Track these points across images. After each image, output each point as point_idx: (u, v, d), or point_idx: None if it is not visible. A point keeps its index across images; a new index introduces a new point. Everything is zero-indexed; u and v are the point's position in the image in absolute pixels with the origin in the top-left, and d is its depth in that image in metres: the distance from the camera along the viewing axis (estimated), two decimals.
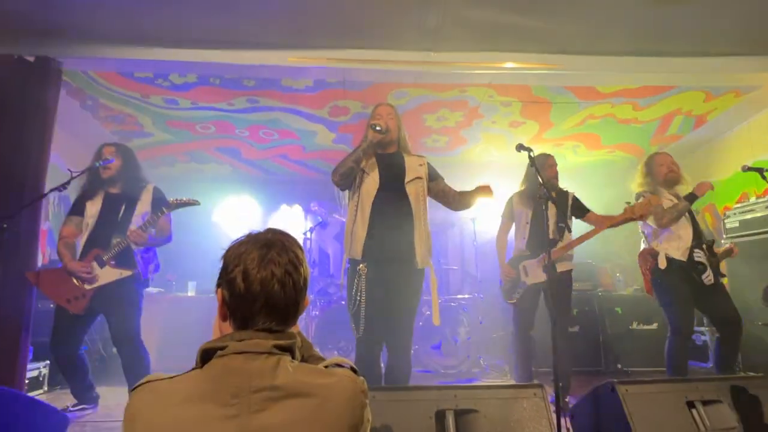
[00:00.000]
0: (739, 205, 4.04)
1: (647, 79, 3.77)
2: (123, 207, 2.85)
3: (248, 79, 3.72)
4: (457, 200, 2.64)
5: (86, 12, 2.97)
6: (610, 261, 5.22)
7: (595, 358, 4.26)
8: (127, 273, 2.74)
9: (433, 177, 2.63)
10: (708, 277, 2.82)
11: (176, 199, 2.85)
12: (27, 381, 3.25)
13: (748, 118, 4.43)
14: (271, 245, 0.90)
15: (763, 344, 3.58)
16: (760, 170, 2.89)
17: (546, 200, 2.36)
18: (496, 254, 3.33)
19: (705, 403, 1.74)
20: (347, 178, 2.52)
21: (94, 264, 2.72)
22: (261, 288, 0.85)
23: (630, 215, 2.82)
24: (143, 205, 2.89)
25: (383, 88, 3.88)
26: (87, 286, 2.70)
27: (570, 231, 3.17)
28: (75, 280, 2.71)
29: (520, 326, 3.14)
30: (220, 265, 0.93)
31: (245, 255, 0.88)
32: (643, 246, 3.12)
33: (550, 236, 3.03)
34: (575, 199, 3.27)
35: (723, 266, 3.05)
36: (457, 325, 4.33)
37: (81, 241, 2.79)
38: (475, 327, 4.37)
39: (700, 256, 2.86)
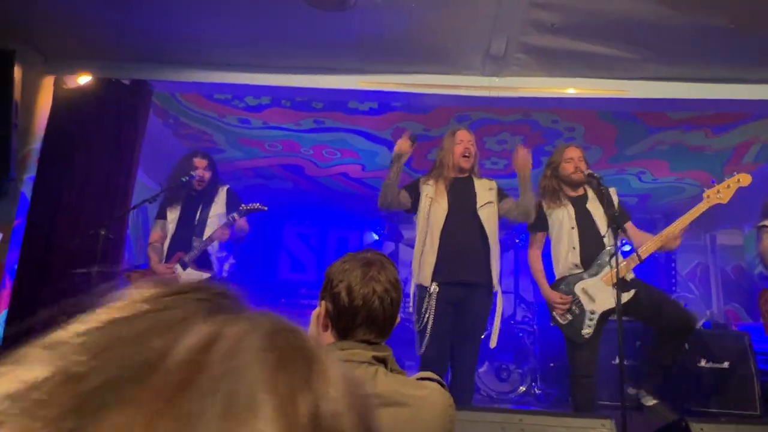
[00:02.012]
0: None
1: (720, 106, 3.65)
2: (200, 208, 3.08)
3: (317, 102, 3.92)
4: (517, 206, 2.65)
5: (177, 41, 3.26)
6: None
7: (657, 395, 4.05)
8: (206, 275, 2.97)
9: (501, 198, 2.69)
10: None
11: (245, 206, 3.07)
12: None
13: None
14: (372, 264, 0.99)
15: None
16: None
17: (597, 185, 2.31)
18: (537, 282, 2.71)
19: None
20: (392, 203, 2.64)
21: (178, 266, 2.94)
22: (363, 303, 0.94)
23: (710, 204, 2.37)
24: (218, 207, 3.13)
25: (446, 111, 3.97)
26: None
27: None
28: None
29: (582, 368, 2.48)
30: (324, 279, 1.02)
31: (349, 272, 0.97)
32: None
33: (610, 242, 2.42)
34: (619, 200, 2.74)
35: None
36: (512, 351, 4.27)
37: (165, 244, 3.03)
38: (530, 354, 4.29)
39: None
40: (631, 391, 2.33)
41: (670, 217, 6.00)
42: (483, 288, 2.48)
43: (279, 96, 3.83)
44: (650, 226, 5.88)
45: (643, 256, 2.46)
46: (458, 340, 2.37)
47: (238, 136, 4.63)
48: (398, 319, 1.03)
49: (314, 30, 3.00)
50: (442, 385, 0.97)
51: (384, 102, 3.85)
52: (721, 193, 2.39)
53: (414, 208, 2.73)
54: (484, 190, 2.65)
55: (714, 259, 6.02)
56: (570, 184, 2.71)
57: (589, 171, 2.62)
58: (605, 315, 2.50)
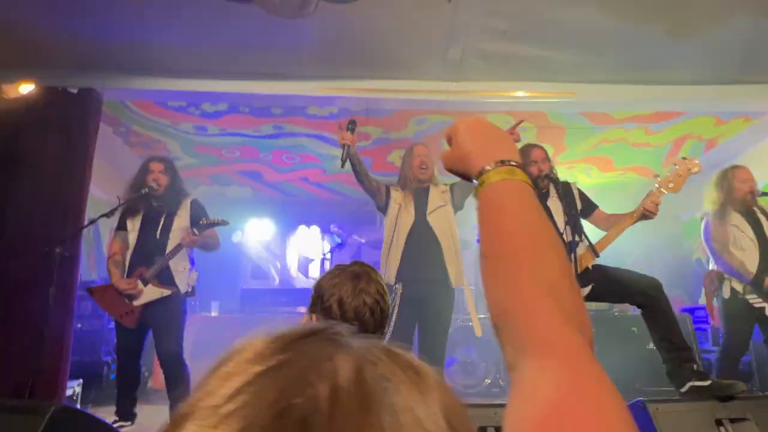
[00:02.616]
0: None
1: (659, 106, 3.92)
2: (162, 222, 2.95)
3: (276, 107, 3.89)
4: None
5: (127, 47, 3.15)
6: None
7: (613, 378, 4.31)
8: (167, 292, 2.86)
9: (455, 193, 3.01)
10: None
11: (205, 220, 2.97)
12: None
13: (758, 142, 4.56)
14: (360, 276, 1.03)
15: None
16: None
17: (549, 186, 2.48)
18: None
19: (732, 420, 1.83)
20: (368, 187, 3.03)
21: (138, 282, 2.84)
22: (355, 315, 0.98)
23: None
24: (181, 220, 2.99)
25: (405, 115, 4.05)
26: (135, 303, 2.83)
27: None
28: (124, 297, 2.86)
29: None
30: (312, 293, 1.05)
31: (339, 286, 1.00)
32: None
33: (568, 237, 2.52)
34: (581, 192, 2.89)
35: None
36: (473, 344, 4.41)
37: (127, 258, 2.92)
38: (493, 346, 4.44)
39: None
40: (680, 388, 2.23)
41: (616, 211, 6.37)
42: (440, 284, 2.76)
43: (237, 102, 3.78)
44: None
45: (602, 247, 2.54)
46: (423, 335, 2.55)
47: (194, 143, 4.52)
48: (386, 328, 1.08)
49: (274, 37, 2.99)
50: None
51: (344, 107, 3.88)
52: (672, 183, 2.48)
53: (384, 208, 3.05)
54: (437, 195, 2.98)
55: (656, 246, 6.43)
56: (534, 184, 2.86)
57: (546, 173, 2.75)
58: None
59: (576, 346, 0.38)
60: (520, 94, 3.58)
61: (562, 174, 3.34)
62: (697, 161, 2.50)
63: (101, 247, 5.03)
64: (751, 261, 3.01)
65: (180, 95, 3.57)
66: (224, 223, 3.08)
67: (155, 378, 4.48)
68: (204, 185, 5.62)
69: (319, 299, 1.02)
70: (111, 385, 4.04)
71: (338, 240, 5.19)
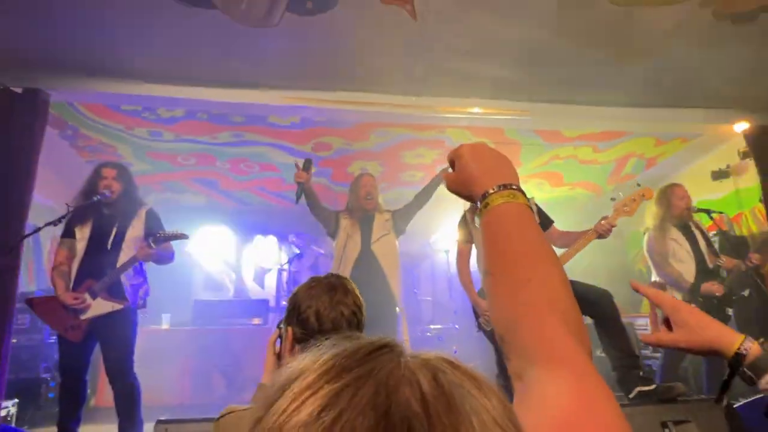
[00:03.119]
0: None
1: (605, 126, 4.16)
2: (114, 232, 2.79)
3: (236, 115, 3.83)
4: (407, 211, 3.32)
5: (77, 46, 3.02)
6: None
7: None
8: (118, 306, 2.72)
9: (396, 219, 3.28)
10: None
11: (162, 233, 2.83)
12: None
13: (693, 161, 4.92)
14: (336, 288, 1.03)
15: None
16: (708, 211, 3.26)
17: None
18: (465, 290, 2.89)
19: (676, 423, 1.95)
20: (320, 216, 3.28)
21: (87, 295, 2.68)
22: (332, 326, 0.98)
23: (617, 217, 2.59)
24: (134, 231, 2.84)
25: (367, 126, 4.08)
26: (82, 316, 2.67)
27: None
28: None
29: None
30: (288, 305, 1.05)
31: (316, 297, 1.00)
32: None
33: None
34: (539, 208, 3.01)
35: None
36: None
37: (74, 268, 2.73)
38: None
39: None
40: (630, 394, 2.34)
41: (565, 225, 6.65)
42: (386, 309, 2.98)
43: (194, 109, 3.68)
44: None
45: (562, 263, 2.66)
46: None
47: (147, 149, 4.36)
48: None
49: (238, 44, 2.95)
50: None
51: (306, 117, 3.86)
52: (628, 206, 2.64)
53: (333, 235, 3.32)
54: (381, 223, 3.21)
55: (602, 258, 6.76)
56: None
57: None
58: None
59: (581, 357, 0.41)
60: (477, 110, 3.71)
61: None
62: (650, 189, 2.66)
63: (41, 258, 4.73)
64: (688, 272, 3.24)
65: (135, 99, 3.44)
66: (183, 236, 2.93)
67: (99, 395, 4.24)
68: (156, 192, 5.40)
69: (296, 311, 1.02)
70: (50, 404, 3.78)
71: (297, 250, 5.13)
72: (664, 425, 1.95)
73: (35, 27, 2.78)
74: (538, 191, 5.74)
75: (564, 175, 5.32)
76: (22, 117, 3.15)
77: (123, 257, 2.77)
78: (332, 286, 1.04)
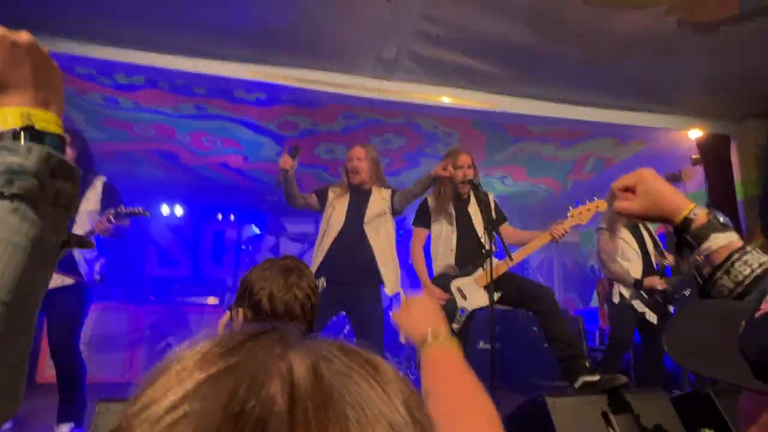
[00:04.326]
0: None
1: (569, 124, 4.25)
2: None
3: (199, 87, 3.68)
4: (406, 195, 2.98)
5: (32, 2, 2.81)
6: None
7: (515, 374, 4.63)
8: (69, 281, 2.59)
9: (395, 201, 2.97)
10: None
11: (125, 208, 2.71)
12: None
13: (648, 164, 5.11)
14: (291, 270, 1.00)
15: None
16: None
17: (476, 191, 2.63)
18: (418, 275, 2.87)
19: (615, 413, 2.05)
20: (294, 202, 2.91)
21: None
22: (285, 309, 0.96)
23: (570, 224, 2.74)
24: (90, 203, 2.71)
25: (335, 108, 4.02)
26: None
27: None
28: None
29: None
30: (240, 286, 1.01)
31: (270, 279, 0.98)
32: None
33: (486, 245, 2.62)
34: (496, 204, 3.05)
35: None
36: (386, 340, 4.51)
37: None
38: (400, 343, 4.57)
39: None
40: (573, 383, 2.47)
41: (524, 218, 6.82)
42: (369, 291, 2.72)
43: (155, 77, 3.51)
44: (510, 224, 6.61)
45: (516, 260, 2.69)
46: (361, 336, 2.56)
47: (102, 116, 4.14)
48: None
49: (205, 12, 2.82)
50: None
51: (272, 94, 3.76)
52: (582, 215, 2.80)
53: (323, 209, 3.03)
54: (378, 201, 2.92)
55: (557, 253, 6.99)
56: (457, 188, 2.95)
57: (470, 178, 2.88)
58: (475, 312, 2.77)
59: None
60: (446, 100, 3.71)
61: (480, 179, 3.45)
62: (604, 202, 2.84)
63: None
64: (635, 270, 3.40)
65: (90, 62, 3.24)
66: (145, 213, 2.82)
67: (40, 372, 4.06)
68: (111, 163, 5.15)
69: (248, 292, 0.99)
70: None
71: (257, 230, 5.03)
72: (605, 415, 2.03)
73: None
74: (500, 184, 5.84)
75: (527, 169, 5.43)
76: None
77: (76, 230, 2.62)
78: (287, 268, 1.01)
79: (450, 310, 2.71)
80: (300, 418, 0.24)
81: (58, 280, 2.57)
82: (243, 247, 5.11)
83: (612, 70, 3.35)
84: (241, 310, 0.99)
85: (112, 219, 2.64)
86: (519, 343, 4.75)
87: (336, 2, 2.70)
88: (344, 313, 2.83)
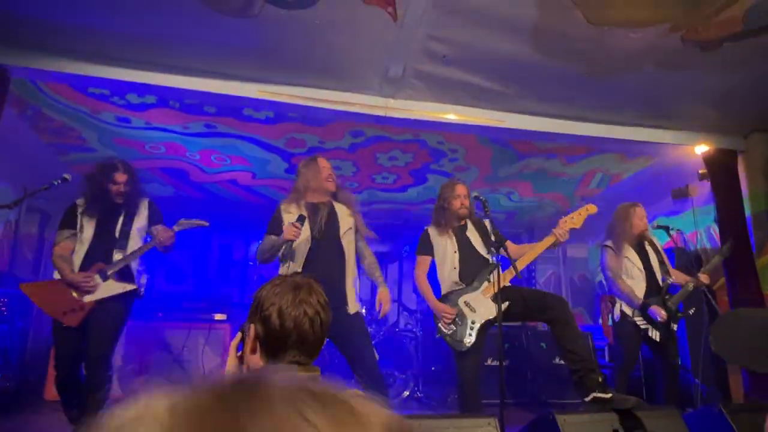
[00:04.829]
0: None
1: (575, 140, 4.27)
2: (120, 220, 2.89)
3: (209, 106, 3.75)
4: (367, 265, 2.92)
5: (45, 22, 2.89)
6: None
7: (523, 391, 4.58)
8: (130, 287, 2.78)
9: (357, 230, 2.90)
10: None
11: (186, 220, 3.02)
12: None
13: (654, 179, 5.11)
14: (301, 286, 1.02)
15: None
16: (666, 228, 3.40)
17: (483, 207, 2.70)
18: (424, 297, 3.03)
19: (627, 430, 2.02)
20: (271, 259, 2.80)
21: (96, 276, 2.69)
22: (294, 325, 0.97)
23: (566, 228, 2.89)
24: (141, 219, 2.97)
25: (342, 125, 4.07)
26: (87, 298, 2.65)
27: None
28: (74, 292, 2.68)
29: (469, 374, 2.76)
30: (252, 302, 1.03)
31: (280, 295, 0.99)
32: None
33: (491, 260, 2.90)
34: (493, 226, 3.01)
35: None
36: (395, 357, 4.49)
37: (78, 255, 2.77)
38: (412, 359, 4.54)
39: None
40: (584, 397, 2.46)
41: (531, 232, 6.80)
42: (341, 311, 2.59)
43: (167, 96, 3.59)
44: (515, 239, 6.60)
45: (519, 268, 2.77)
46: (355, 363, 2.51)
47: (114, 134, 4.21)
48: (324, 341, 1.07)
49: (214, 34, 2.89)
50: None
51: (280, 111, 3.82)
52: (575, 219, 2.98)
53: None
54: (345, 216, 2.82)
55: (564, 269, 6.95)
56: (455, 216, 3.12)
57: (475, 193, 2.92)
58: (486, 324, 2.79)
59: None
60: (452, 117, 3.74)
61: (486, 195, 3.60)
62: (594, 205, 3.10)
63: None
64: (639, 289, 3.40)
65: (103, 83, 3.32)
66: (204, 224, 3.18)
67: (48, 389, 4.07)
68: None
69: (259, 308, 1.00)
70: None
71: None
72: None
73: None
74: (506, 200, 5.85)
75: (533, 185, 5.44)
76: None
77: (131, 245, 2.86)
78: (297, 284, 1.02)
79: (459, 324, 2.81)
80: None
81: (119, 287, 2.73)
82: (250, 263, 5.13)
83: (616, 86, 3.38)
84: (252, 326, 1.01)
85: (177, 229, 2.96)
86: (528, 360, 4.70)
87: (343, 23, 2.76)
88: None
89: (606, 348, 5.11)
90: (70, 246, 2.81)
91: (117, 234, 2.86)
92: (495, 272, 2.63)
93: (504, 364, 4.47)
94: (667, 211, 5.02)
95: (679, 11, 2.64)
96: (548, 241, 2.93)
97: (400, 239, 5.31)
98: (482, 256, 2.99)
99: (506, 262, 2.77)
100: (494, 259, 2.80)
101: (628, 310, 3.39)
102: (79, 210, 2.88)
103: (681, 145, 4.05)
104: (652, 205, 5.18)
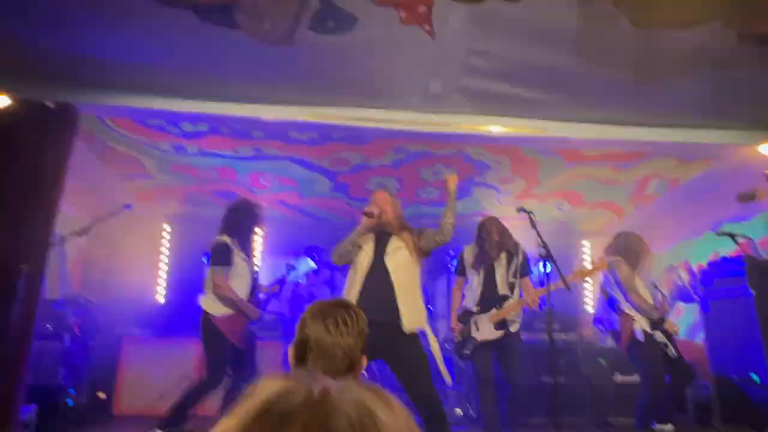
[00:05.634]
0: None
1: (626, 146, 4.11)
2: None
3: (257, 131, 3.91)
4: (435, 233, 2.96)
5: (108, 63, 3.12)
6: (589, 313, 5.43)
7: (581, 409, 4.37)
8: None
9: (419, 237, 2.93)
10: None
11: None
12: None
13: (717, 184, 4.80)
14: (337, 313, 1.07)
15: (740, 396, 3.77)
16: (732, 235, 3.18)
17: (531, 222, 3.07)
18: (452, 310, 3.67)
19: None
20: (345, 258, 2.92)
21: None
22: (326, 352, 1.02)
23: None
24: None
25: (384, 143, 4.12)
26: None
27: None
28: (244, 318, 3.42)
29: (479, 380, 3.35)
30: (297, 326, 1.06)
31: (317, 321, 1.03)
32: None
33: (500, 292, 3.45)
34: (525, 257, 3.56)
35: None
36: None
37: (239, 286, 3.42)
38: (464, 374, 4.45)
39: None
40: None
41: (584, 242, 6.54)
42: (397, 328, 2.62)
43: (217, 124, 3.77)
44: (568, 251, 6.37)
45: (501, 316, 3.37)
46: (407, 388, 2.49)
47: (170, 162, 4.47)
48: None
49: (258, 62, 3.02)
50: None
51: (324, 133, 3.92)
52: (587, 276, 3.55)
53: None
54: (397, 240, 2.89)
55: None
56: (491, 251, 3.52)
57: (497, 240, 3.47)
58: (484, 343, 3.36)
59: None
60: (496, 128, 3.70)
61: (535, 206, 3.67)
62: (604, 263, 3.51)
63: (65, 266, 4.85)
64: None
65: (159, 114, 3.55)
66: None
67: (116, 404, 4.30)
68: (177, 203, 5.53)
69: (297, 332, 1.04)
70: (69, 411, 3.85)
71: (313, 265, 5.16)
72: None
73: (69, 43, 2.90)
74: (555, 211, 5.68)
75: (584, 194, 5.26)
76: (53, 130, 3.27)
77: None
78: (334, 310, 1.05)
79: (465, 337, 3.42)
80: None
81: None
82: (300, 281, 5.23)
83: (666, 87, 3.24)
84: (291, 349, 1.04)
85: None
86: (584, 377, 4.49)
87: (381, 44, 2.81)
88: (382, 359, 2.70)
89: None
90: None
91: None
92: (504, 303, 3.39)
93: (559, 381, 4.32)
94: (734, 217, 4.68)
95: (728, 7, 2.51)
96: (520, 304, 3.41)
97: (446, 254, 5.26)
98: (499, 294, 3.45)
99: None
100: (510, 288, 3.46)
101: (647, 327, 3.32)
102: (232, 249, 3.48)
103: (743, 145, 3.79)
104: (715, 210, 4.87)
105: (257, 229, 3.46)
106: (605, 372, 4.51)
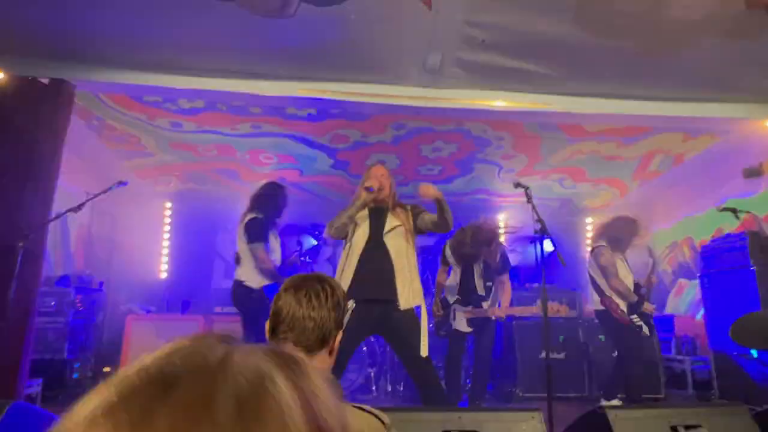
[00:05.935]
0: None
1: (630, 120, 4.03)
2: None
3: (254, 107, 3.87)
4: (434, 225, 2.82)
5: (103, 39, 3.09)
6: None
7: (580, 385, 4.40)
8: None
9: (416, 216, 2.83)
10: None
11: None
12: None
13: (722, 159, 4.72)
14: (311, 286, 1.07)
15: (739, 373, 3.78)
16: (734, 210, 3.14)
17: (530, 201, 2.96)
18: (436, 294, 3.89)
19: (687, 427, 1.89)
20: (341, 232, 2.80)
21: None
22: (297, 323, 1.02)
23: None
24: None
25: (383, 119, 4.07)
26: None
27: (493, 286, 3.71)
28: None
29: (449, 357, 3.66)
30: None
31: (290, 294, 1.04)
32: None
33: (478, 292, 3.64)
34: (503, 256, 3.73)
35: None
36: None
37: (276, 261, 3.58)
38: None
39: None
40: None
41: (586, 219, 6.51)
42: (392, 304, 2.62)
43: (214, 100, 3.74)
44: (571, 227, 6.34)
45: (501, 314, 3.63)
46: (402, 357, 2.54)
47: (169, 139, 4.45)
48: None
49: (254, 36, 2.97)
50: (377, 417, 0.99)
51: (322, 108, 3.88)
52: (559, 311, 3.37)
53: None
54: (394, 218, 2.78)
55: None
56: (479, 245, 3.61)
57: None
58: (457, 332, 3.64)
59: None
60: (497, 103, 3.64)
61: (537, 183, 3.66)
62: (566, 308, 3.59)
63: (69, 243, 4.90)
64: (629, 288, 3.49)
65: (156, 90, 3.51)
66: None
67: None
68: (179, 183, 5.53)
69: (272, 306, 1.04)
70: (75, 385, 3.94)
71: (314, 242, 5.17)
72: (674, 429, 1.89)
73: (62, 19, 2.86)
74: (558, 187, 5.62)
75: (587, 170, 5.20)
76: (49, 107, 3.26)
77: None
78: (309, 283, 1.05)
79: (441, 317, 3.71)
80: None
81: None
82: (302, 258, 5.26)
83: (672, 59, 3.15)
84: (267, 323, 1.04)
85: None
86: (585, 353, 4.51)
87: (377, 15, 2.75)
88: (378, 334, 2.87)
89: (673, 340, 4.81)
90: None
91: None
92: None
93: (560, 356, 4.34)
94: (739, 193, 4.61)
95: None
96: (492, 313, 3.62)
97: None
98: (476, 292, 3.67)
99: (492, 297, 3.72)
100: (487, 292, 3.67)
101: (623, 306, 3.44)
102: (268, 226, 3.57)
103: (749, 119, 3.71)
104: (720, 186, 4.80)
105: (284, 209, 3.68)
106: (605, 348, 4.53)
